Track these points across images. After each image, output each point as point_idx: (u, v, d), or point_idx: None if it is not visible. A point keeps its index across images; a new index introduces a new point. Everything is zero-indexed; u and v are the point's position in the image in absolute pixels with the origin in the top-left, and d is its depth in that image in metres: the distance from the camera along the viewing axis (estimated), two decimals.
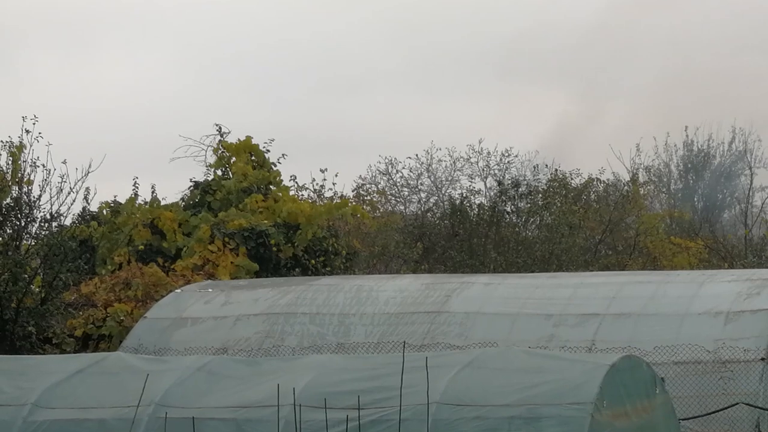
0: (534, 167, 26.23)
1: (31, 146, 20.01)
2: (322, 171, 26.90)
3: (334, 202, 26.33)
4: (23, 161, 19.79)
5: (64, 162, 20.23)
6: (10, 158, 19.66)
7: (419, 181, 28.83)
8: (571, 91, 67.69)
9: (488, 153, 28.81)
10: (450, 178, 27.61)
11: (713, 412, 14.41)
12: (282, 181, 24.63)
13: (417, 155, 30.15)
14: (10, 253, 19.79)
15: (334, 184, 27.40)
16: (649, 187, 32.62)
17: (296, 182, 25.44)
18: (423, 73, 72.06)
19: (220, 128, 24.15)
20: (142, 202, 23.90)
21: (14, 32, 59.38)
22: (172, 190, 26.04)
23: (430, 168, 27.48)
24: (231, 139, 24.11)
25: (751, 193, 33.78)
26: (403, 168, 29.48)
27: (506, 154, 28.31)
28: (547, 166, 27.50)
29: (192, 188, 24.47)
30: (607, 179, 30.05)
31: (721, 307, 16.28)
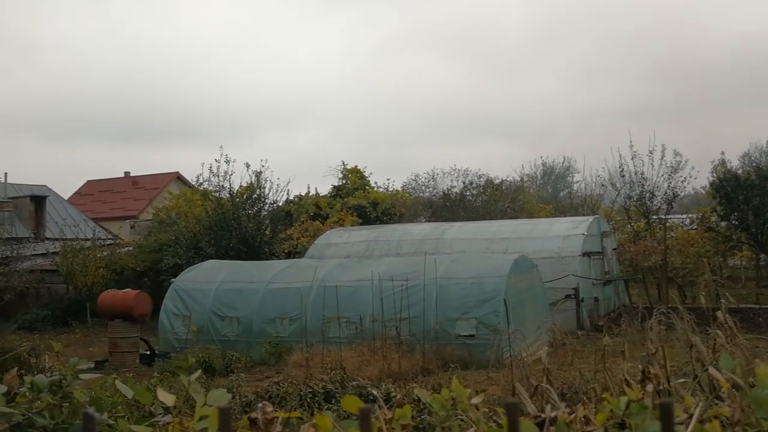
0: (479, 176, 41.59)
1: (263, 171, 30.29)
2: (387, 179, 45.20)
3: (393, 191, 38.97)
4: (262, 179, 30.06)
5: (278, 178, 34.25)
6: (256, 177, 29.97)
7: (429, 183, 44.78)
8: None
9: (458, 169, 44.95)
10: (442, 181, 43.84)
11: (558, 279, 22.37)
12: (370, 182, 37.61)
13: (428, 172, 48.23)
14: (255, 217, 29.66)
15: (393, 183, 43.51)
16: (528, 183, 49.24)
17: (376, 183, 38.92)
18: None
19: (343, 161, 38.38)
20: (312, 195, 37.82)
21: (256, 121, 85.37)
22: (324, 189, 39.23)
23: (434, 177, 43.25)
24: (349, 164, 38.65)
25: (572, 183, 58.18)
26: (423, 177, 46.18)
27: (467, 170, 44.32)
28: (482, 175, 42.91)
29: (333, 187, 38.39)
30: (511, 179, 47.08)
31: (561, 233, 24.84)
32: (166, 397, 1.88)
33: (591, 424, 1.60)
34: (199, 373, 2.06)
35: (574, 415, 1.60)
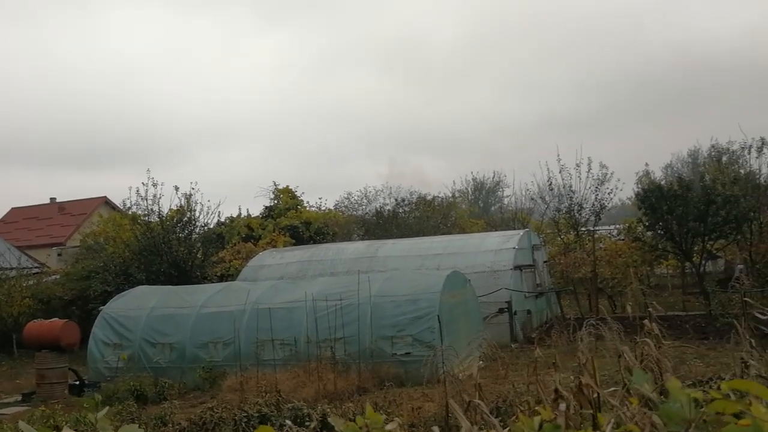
0: (410, 193, 41.82)
1: (194, 194, 30.08)
2: (320, 198, 45.16)
3: (325, 211, 39.30)
4: (192, 201, 29.81)
5: (209, 200, 33.08)
6: (186, 200, 29.75)
7: (362, 201, 45.06)
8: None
9: (390, 186, 45.57)
10: (375, 199, 44.03)
11: (491, 293, 22.48)
12: (302, 202, 37.64)
13: (361, 190, 48.56)
14: (186, 241, 29.56)
15: (326, 202, 43.72)
16: (459, 198, 49.96)
17: (308, 203, 38.27)
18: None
19: (274, 182, 38.56)
20: (244, 216, 36.68)
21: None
22: (256, 209, 39.06)
23: (367, 195, 43.25)
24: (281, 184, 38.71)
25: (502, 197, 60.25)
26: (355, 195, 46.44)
27: (398, 188, 44.85)
28: (413, 192, 43.42)
29: (265, 208, 38.50)
30: (443, 195, 47.78)
31: (493, 248, 25.16)
32: None
33: None
34: (106, 409, 2.01)
35: None
